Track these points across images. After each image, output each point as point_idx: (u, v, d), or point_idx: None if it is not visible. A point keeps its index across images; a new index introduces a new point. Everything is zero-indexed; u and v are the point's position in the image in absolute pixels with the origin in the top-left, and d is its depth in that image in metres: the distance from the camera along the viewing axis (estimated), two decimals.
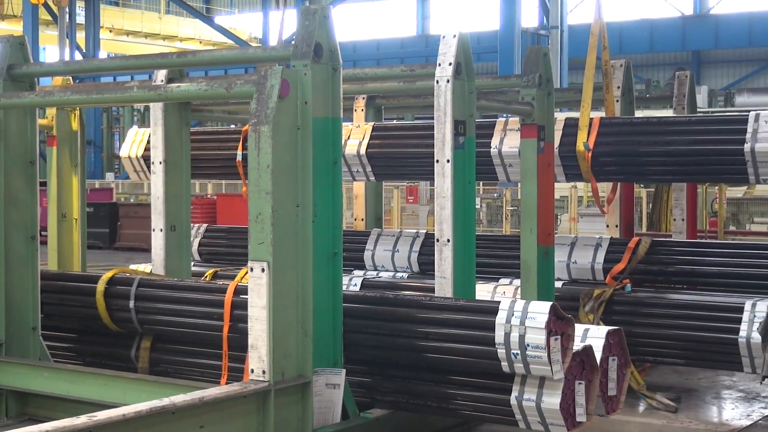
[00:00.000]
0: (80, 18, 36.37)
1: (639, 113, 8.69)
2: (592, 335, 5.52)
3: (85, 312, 6.66)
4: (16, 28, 36.06)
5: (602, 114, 7.98)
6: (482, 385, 5.40)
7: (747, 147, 6.98)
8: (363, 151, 8.29)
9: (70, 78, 8.04)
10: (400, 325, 5.62)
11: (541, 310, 5.16)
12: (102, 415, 4.46)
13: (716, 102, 31.21)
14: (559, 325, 5.18)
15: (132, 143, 8.88)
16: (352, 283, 8.11)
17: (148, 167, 7.27)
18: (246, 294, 5.25)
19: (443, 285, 6.12)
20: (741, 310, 6.76)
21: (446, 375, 5.53)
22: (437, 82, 6.11)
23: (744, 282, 7.38)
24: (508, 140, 7.68)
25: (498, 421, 5.44)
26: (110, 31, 42.34)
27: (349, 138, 8.33)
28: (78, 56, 33.79)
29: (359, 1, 45.11)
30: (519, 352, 5.15)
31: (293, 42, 5.41)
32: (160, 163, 6.98)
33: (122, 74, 25.00)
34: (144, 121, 36.40)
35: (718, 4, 42.00)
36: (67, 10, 32.42)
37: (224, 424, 4.93)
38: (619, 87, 8.23)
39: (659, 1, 42.53)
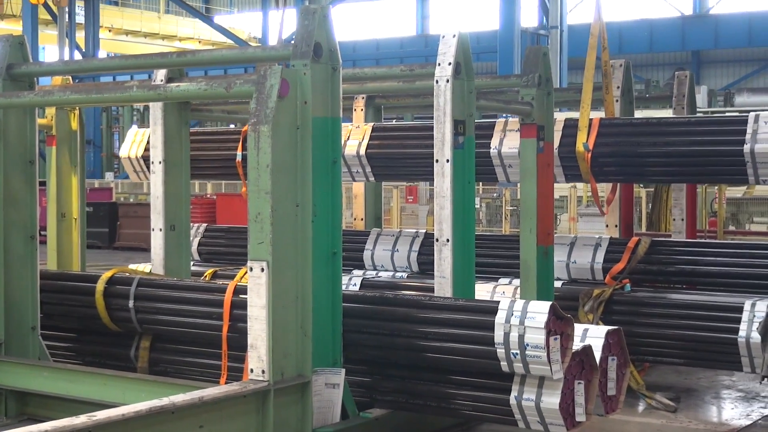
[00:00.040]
0: (80, 18, 36.37)
1: (638, 113, 8.69)
2: (592, 335, 5.53)
3: (85, 312, 6.66)
4: (15, 27, 36.05)
5: (602, 114, 7.98)
6: (482, 385, 5.40)
7: (746, 148, 6.98)
8: (363, 151, 8.29)
9: (70, 77, 8.04)
10: (399, 325, 5.62)
11: (540, 310, 5.16)
12: (101, 415, 4.46)
13: (716, 102, 31.22)
14: (559, 325, 5.18)
15: (132, 143, 8.88)
16: (352, 282, 8.11)
17: (148, 167, 7.27)
18: (245, 294, 5.25)
19: (443, 285, 6.12)
20: (740, 309, 6.76)
21: (446, 375, 5.53)
22: (437, 81, 6.11)
23: (743, 282, 7.38)
24: (507, 141, 7.68)
25: (497, 420, 5.44)
26: (109, 31, 42.34)
27: (348, 138, 8.33)
28: (77, 56, 33.78)
29: (359, 1, 45.10)
30: (518, 351, 5.15)
31: (293, 42, 5.41)
32: (160, 162, 6.98)
33: (122, 74, 25.00)
34: (143, 120, 36.40)
35: (717, 4, 42.01)
36: (67, 9, 32.43)
37: (224, 423, 4.93)
38: (618, 87, 8.24)
39: (659, 1, 42.54)
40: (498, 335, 5.21)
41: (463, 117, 6.15)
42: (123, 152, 8.95)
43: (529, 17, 29.23)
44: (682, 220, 8.49)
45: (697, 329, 6.96)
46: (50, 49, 44.81)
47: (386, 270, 8.51)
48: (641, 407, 6.98)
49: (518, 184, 7.38)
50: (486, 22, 36.94)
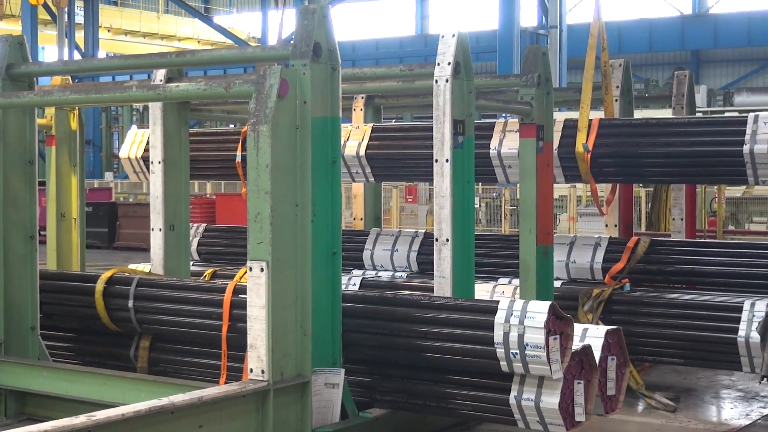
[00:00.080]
0: (79, 18, 36.36)
1: (638, 113, 8.69)
2: (591, 335, 5.53)
3: (84, 311, 6.66)
4: (15, 27, 36.04)
5: (601, 114, 7.98)
6: (481, 385, 5.41)
7: (746, 148, 6.98)
8: (362, 152, 8.29)
9: (69, 77, 8.04)
10: (399, 325, 5.62)
11: (540, 310, 5.17)
12: (101, 415, 4.46)
13: (715, 101, 31.23)
14: (558, 325, 5.18)
15: (132, 144, 8.88)
16: (351, 282, 8.11)
17: (148, 168, 7.27)
18: (245, 294, 5.25)
19: (442, 284, 6.12)
20: (740, 309, 6.76)
21: (445, 374, 5.53)
22: (436, 81, 6.11)
23: (743, 281, 7.38)
24: (507, 141, 7.68)
25: (497, 420, 5.44)
26: (108, 31, 42.33)
27: (348, 139, 8.33)
28: (77, 56, 33.78)
29: (358, 1, 45.10)
30: (518, 351, 5.15)
31: (292, 41, 5.41)
32: (159, 162, 6.98)
33: (121, 74, 25.00)
34: (143, 120, 36.40)
35: (716, 4, 42.01)
36: (66, 9, 32.42)
37: (223, 423, 4.93)
38: (618, 86, 8.24)
39: (658, 1, 42.54)
40: (497, 335, 5.21)
41: (462, 117, 6.15)
42: (123, 153, 8.95)
43: (528, 17, 29.23)
44: (682, 219, 8.49)
45: (697, 329, 6.96)
46: (50, 49, 44.81)
47: (386, 270, 8.51)
48: (641, 407, 6.98)
49: (518, 184, 7.38)
50: (485, 22, 36.94)
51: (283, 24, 9.62)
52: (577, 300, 7.25)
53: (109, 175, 35.43)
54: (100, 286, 6.57)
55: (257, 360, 5.09)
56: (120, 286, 6.57)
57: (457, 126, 6.11)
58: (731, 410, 7.13)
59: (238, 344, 5.78)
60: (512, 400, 5.24)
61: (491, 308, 5.32)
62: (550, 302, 5.23)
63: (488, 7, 34.82)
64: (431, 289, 6.32)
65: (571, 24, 31.62)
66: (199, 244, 9.30)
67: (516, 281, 7.32)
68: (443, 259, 6.13)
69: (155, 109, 6.97)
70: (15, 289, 6.42)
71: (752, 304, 6.74)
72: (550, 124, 7.07)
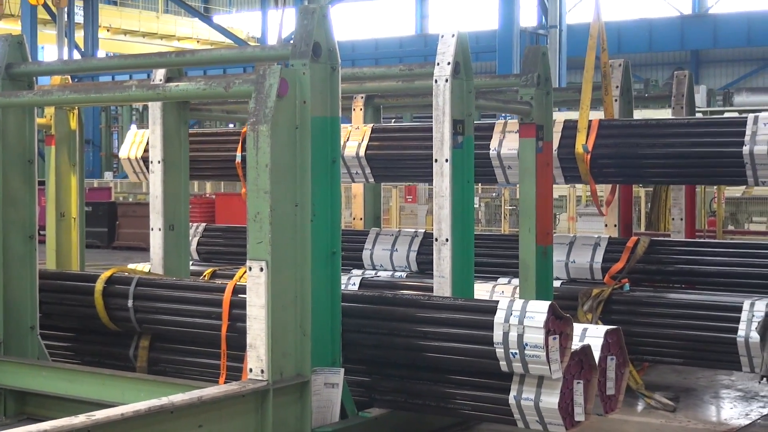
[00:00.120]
0: (79, 17, 36.35)
1: (637, 113, 8.69)
2: (591, 334, 5.53)
3: (84, 311, 6.66)
4: (14, 27, 36.03)
5: (601, 114, 7.98)
6: (481, 385, 5.41)
7: (746, 149, 6.98)
8: (362, 152, 8.29)
9: (69, 77, 8.04)
10: (398, 325, 5.62)
11: (539, 310, 5.17)
12: (100, 415, 4.46)
13: (715, 101, 31.22)
14: (558, 325, 5.18)
15: (131, 144, 8.87)
16: (351, 282, 8.11)
17: (148, 168, 7.26)
18: (244, 293, 5.25)
19: (442, 284, 6.12)
20: (739, 309, 6.76)
21: (445, 374, 5.53)
22: (436, 81, 6.11)
23: (742, 281, 7.38)
24: (507, 142, 7.68)
25: (496, 420, 5.44)
26: (108, 30, 42.32)
27: (348, 140, 8.33)
28: (76, 55, 33.76)
29: (358, 1, 45.09)
30: (517, 351, 5.15)
31: (292, 41, 5.41)
32: (159, 162, 6.97)
33: (121, 73, 25.00)
34: (143, 120, 36.39)
35: (716, 4, 42.01)
36: (66, 9, 32.41)
37: (223, 423, 4.93)
38: (617, 86, 8.24)
39: (658, 1, 42.54)
40: (497, 335, 5.21)
41: (462, 116, 6.15)
42: (123, 153, 8.95)
43: (528, 17, 29.24)
44: (681, 219, 8.49)
45: (696, 329, 6.97)
46: (49, 49, 44.80)
47: (385, 270, 8.51)
48: (640, 407, 6.98)
49: (517, 184, 7.38)
50: (485, 22, 36.94)
51: (283, 24, 9.61)
52: (577, 300, 7.25)
53: (108, 175, 35.41)
54: (99, 285, 6.57)
55: (257, 360, 5.09)
56: (119, 286, 6.57)
57: (457, 126, 6.11)
58: (731, 410, 7.13)
59: (238, 344, 5.78)
60: (512, 400, 5.24)
61: (491, 308, 5.32)
62: (549, 302, 5.23)
63: (488, 6, 34.81)
64: (431, 289, 6.32)
65: (571, 24, 31.62)
66: (198, 244, 9.30)
67: (515, 281, 7.32)
68: (443, 258, 6.13)
69: (155, 109, 6.96)
70: (14, 289, 6.42)
71: (752, 304, 6.74)
72: (549, 123, 7.07)
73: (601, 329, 5.59)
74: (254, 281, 5.08)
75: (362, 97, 8.91)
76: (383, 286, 7.89)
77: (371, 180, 8.52)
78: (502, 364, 5.22)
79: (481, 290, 7.33)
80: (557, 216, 19.84)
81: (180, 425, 4.76)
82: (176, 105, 7.01)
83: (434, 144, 6.14)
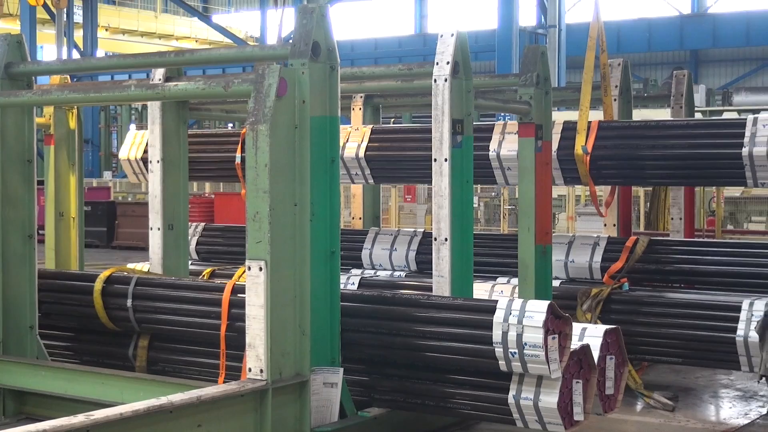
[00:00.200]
0: (78, 17, 36.33)
1: (637, 112, 8.69)
2: (590, 334, 5.53)
3: (83, 311, 6.66)
4: (13, 27, 36.02)
5: (601, 114, 7.98)
6: (480, 384, 5.41)
7: (745, 151, 6.97)
8: (362, 153, 8.29)
9: (68, 77, 8.04)
10: (397, 324, 5.62)
11: (538, 309, 5.17)
12: (99, 414, 4.46)
13: (714, 101, 31.20)
14: (557, 324, 5.18)
15: (131, 145, 8.86)
16: (350, 282, 8.11)
17: (147, 170, 7.26)
18: (243, 293, 5.25)
19: (441, 284, 6.12)
20: (738, 309, 6.77)
21: (444, 374, 5.53)
22: (435, 81, 6.12)
23: (741, 281, 7.39)
24: (506, 144, 7.68)
25: (496, 419, 5.44)
26: (106, 30, 42.28)
27: (347, 140, 8.33)
28: (75, 55, 33.75)
29: (357, 0, 45.08)
30: (517, 350, 5.15)
31: (291, 41, 5.41)
32: (158, 161, 6.97)
33: (120, 73, 24.99)
34: (142, 119, 36.37)
35: (715, 4, 42.00)
36: (65, 9, 32.37)
37: (222, 423, 4.93)
38: (617, 86, 8.25)
39: (657, 0, 42.54)
40: (496, 334, 5.21)
41: (461, 116, 6.15)
42: (122, 154, 8.94)
43: (527, 16, 29.22)
44: (680, 219, 8.50)
45: (695, 328, 6.97)
46: (48, 49, 44.77)
47: (384, 269, 8.51)
48: (639, 406, 6.98)
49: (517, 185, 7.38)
50: (484, 21, 36.92)
51: (282, 23, 9.61)
52: (576, 299, 7.26)
53: (107, 174, 35.40)
54: (98, 285, 6.57)
55: (256, 359, 5.09)
56: (118, 286, 6.56)
57: (456, 125, 6.11)
58: (730, 409, 7.13)
59: (237, 343, 5.77)
60: (511, 400, 5.24)
61: (490, 307, 5.32)
62: (548, 302, 5.24)
63: (487, 6, 34.81)
64: (430, 289, 6.32)
65: (570, 23, 31.60)
66: (197, 243, 9.30)
67: (515, 280, 7.32)
68: (442, 258, 6.13)
69: (154, 108, 6.96)
70: (13, 289, 6.42)
71: (751, 304, 6.74)
72: (548, 123, 7.07)
73: (600, 329, 5.59)
74: (253, 281, 5.08)
75: (361, 97, 8.91)
76: (382, 286, 7.89)
77: (371, 181, 8.52)
78: (501, 363, 5.22)
79: (480, 290, 7.34)
80: (556, 215, 19.82)
81: (179, 425, 4.76)
82: (175, 104, 7.01)
83: (433, 143, 6.14)
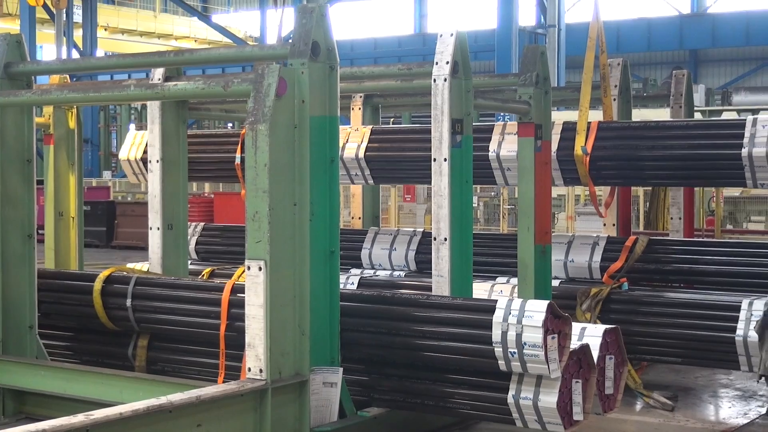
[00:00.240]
0: (77, 17, 36.31)
1: (636, 112, 8.70)
2: (589, 334, 5.53)
3: (82, 310, 6.65)
4: (13, 26, 36.01)
5: (601, 113, 7.98)
6: (479, 384, 5.41)
7: (744, 152, 6.97)
8: (362, 154, 8.29)
9: (67, 76, 8.04)
10: (397, 324, 5.62)
11: (538, 309, 5.17)
12: (99, 414, 4.46)
13: (713, 101, 31.20)
14: (557, 324, 5.18)
15: (131, 146, 8.86)
16: (350, 281, 8.11)
17: (147, 170, 7.26)
18: (243, 293, 5.25)
19: (440, 283, 6.12)
20: (738, 308, 6.77)
21: (443, 373, 5.53)
22: (434, 80, 6.12)
23: (741, 281, 7.39)
24: (506, 144, 7.68)
25: (495, 419, 5.44)
26: (105, 30, 42.24)
27: (347, 141, 8.33)
28: (75, 55, 33.74)
29: (356, 0, 45.08)
30: (516, 350, 5.15)
31: (290, 40, 5.41)
32: (158, 161, 6.98)
33: (119, 72, 24.98)
34: (141, 119, 36.34)
35: (715, 3, 42.00)
36: (64, 9, 32.36)
37: (221, 422, 4.92)
38: (616, 86, 8.25)
39: (657, 0, 42.54)
40: (496, 334, 5.21)
41: (460, 116, 6.15)
42: (122, 155, 8.94)
43: (526, 16, 29.22)
44: (680, 219, 8.50)
45: (695, 328, 6.97)
46: (48, 48, 44.76)
47: (384, 269, 8.51)
48: (639, 406, 6.98)
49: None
50: (484, 21, 36.92)
51: (282, 23, 9.60)
52: (575, 299, 7.26)
53: (107, 174, 35.38)
54: (98, 285, 6.57)
55: (255, 359, 5.09)
56: (118, 285, 6.56)
57: (456, 125, 6.11)
58: (729, 409, 7.13)
59: (236, 343, 5.77)
60: (510, 399, 5.24)
61: (489, 307, 5.32)
62: (548, 301, 5.24)
63: (486, 6, 34.81)
64: (429, 288, 6.32)
65: (570, 23, 31.59)
66: (197, 243, 9.30)
67: (514, 280, 7.32)
68: (441, 258, 6.13)
69: (153, 108, 6.96)
70: (13, 288, 6.42)
71: (750, 304, 6.74)
72: (548, 123, 7.07)
73: (600, 328, 5.59)
74: (253, 280, 5.08)
75: (361, 97, 8.91)
76: (382, 286, 7.89)
77: (371, 182, 8.53)
78: (501, 363, 5.22)
79: (480, 289, 7.34)
80: (556, 215, 19.82)
81: (178, 425, 4.76)
82: (175, 104, 7.01)
83: (433, 143, 6.14)
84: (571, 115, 8.00)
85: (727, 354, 6.78)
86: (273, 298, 5.07)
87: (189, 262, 7.63)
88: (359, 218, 9.20)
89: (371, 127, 8.54)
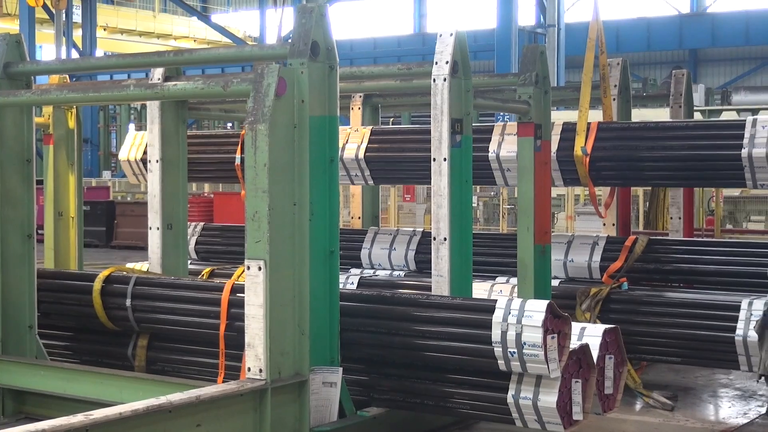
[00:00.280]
0: (76, 17, 36.31)
1: (636, 112, 8.69)
2: (589, 333, 5.53)
3: (82, 310, 6.65)
4: (12, 26, 36.00)
5: (600, 113, 7.98)
6: (479, 384, 5.41)
7: (744, 152, 6.97)
8: (361, 155, 8.29)
9: (67, 76, 8.04)
10: (397, 324, 5.62)
11: (537, 309, 5.17)
12: (98, 414, 4.46)
13: (713, 100, 31.20)
14: (556, 324, 5.18)
15: (131, 146, 8.86)
16: (349, 281, 8.11)
17: (147, 170, 7.25)
18: (243, 292, 5.25)
19: (440, 283, 6.12)
20: (738, 308, 6.77)
21: (443, 373, 5.53)
22: (434, 80, 6.11)
23: (741, 280, 7.39)
24: (506, 145, 7.68)
25: (495, 419, 5.44)
26: (104, 30, 42.23)
27: (347, 142, 8.33)
28: (74, 55, 33.73)
29: (356, 0, 45.08)
30: (516, 350, 5.15)
31: (290, 40, 5.41)
32: (157, 161, 6.98)
33: (119, 72, 24.98)
34: (141, 119, 36.34)
35: (714, 3, 42.01)
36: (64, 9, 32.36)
37: (221, 422, 4.92)
38: (615, 85, 8.25)
39: (656, 0, 42.54)
40: (495, 334, 5.21)
41: (460, 115, 6.15)
42: (122, 155, 8.93)
43: (526, 16, 29.23)
44: (680, 218, 8.50)
45: (695, 328, 6.97)
46: (47, 48, 44.75)
47: (383, 269, 8.51)
48: (638, 406, 6.98)
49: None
50: (483, 21, 36.93)
51: (282, 23, 9.60)
52: (575, 299, 7.26)
53: (106, 174, 35.37)
54: (97, 284, 6.57)
55: (255, 359, 5.09)
56: (118, 285, 6.56)
57: (455, 125, 6.11)
58: (729, 409, 7.13)
59: (236, 343, 5.77)
60: (510, 399, 5.24)
61: (489, 307, 5.32)
62: (547, 301, 5.24)
63: (486, 5, 34.82)
64: (429, 288, 6.32)
65: (569, 23, 31.60)
66: (197, 243, 9.30)
67: (514, 280, 7.32)
68: (441, 257, 6.13)
69: (153, 108, 6.96)
70: (13, 288, 6.42)
71: (750, 303, 6.74)
72: (547, 122, 7.07)
73: (600, 328, 5.59)
74: (252, 280, 5.08)
75: (360, 97, 8.91)
76: (381, 285, 7.90)
77: (370, 182, 8.52)
78: (501, 363, 5.22)
79: (480, 289, 7.33)
80: (555, 215, 19.82)
81: (178, 425, 4.76)
82: (174, 104, 7.01)
83: (432, 143, 6.14)
84: (570, 115, 8.00)
85: (727, 354, 6.78)
86: (273, 297, 5.07)
87: (189, 261, 7.63)
88: (359, 218, 9.20)
89: (371, 127, 8.54)
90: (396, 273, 8.42)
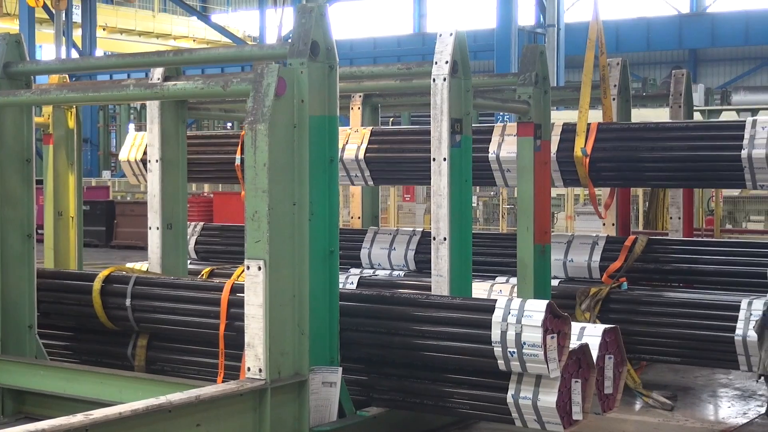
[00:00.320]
0: (76, 17, 36.30)
1: (635, 112, 8.69)
2: (589, 333, 5.53)
3: (82, 310, 6.65)
4: (12, 26, 36.00)
5: (600, 113, 7.98)
6: (479, 384, 5.41)
7: (744, 153, 6.97)
8: (361, 155, 8.28)
9: (67, 76, 8.04)
10: (396, 324, 5.62)
11: (537, 308, 5.17)
12: (98, 414, 4.46)
13: (713, 100, 31.19)
14: (556, 323, 5.18)
15: (131, 147, 8.85)
16: (349, 281, 8.11)
17: (147, 170, 7.25)
18: (242, 292, 5.25)
19: (440, 283, 6.12)
20: (737, 308, 6.77)
21: (443, 373, 5.53)
22: (434, 80, 6.12)
23: (740, 280, 7.39)
24: (506, 145, 7.68)
25: (494, 419, 5.44)
26: (103, 30, 42.23)
27: (347, 142, 8.32)
28: (74, 54, 33.73)
29: (356, 0, 45.09)
30: (515, 350, 5.15)
31: (290, 40, 5.41)
32: (157, 161, 6.98)
33: (118, 72, 24.98)
34: (140, 119, 36.34)
35: (714, 3, 42.02)
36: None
37: (221, 422, 4.92)
38: (615, 85, 8.25)
39: (656, 0, 42.55)
40: (495, 334, 5.21)
41: (460, 115, 6.15)
42: (122, 156, 8.93)
43: (526, 16, 29.23)
44: (679, 218, 8.50)
45: (694, 328, 6.97)
46: (47, 48, 44.75)
47: (383, 268, 8.51)
48: (638, 406, 6.98)
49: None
50: (483, 21, 36.92)
51: (281, 23, 9.60)
52: (575, 299, 7.26)
53: (106, 174, 35.36)
54: (97, 284, 6.57)
55: (254, 359, 5.09)
56: (117, 285, 6.56)
57: (455, 125, 6.12)
58: (728, 409, 7.14)
59: (236, 343, 5.77)
60: (510, 399, 5.24)
61: (489, 307, 5.33)
62: (547, 301, 5.24)
63: (486, 5, 34.82)
64: (429, 288, 6.32)
65: (569, 23, 31.61)
66: (196, 243, 9.30)
67: (513, 280, 7.32)
68: (441, 257, 6.13)
69: (153, 108, 6.96)
70: (12, 288, 6.42)
71: (749, 303, 6.74)
72: (547, 122, 7.07)
73: (599, 328, 5.59)
74: (252, 280, 5.08)
75: (360, 96, 8.91)
76: (381, 285, 7.90)
77: (371, 183, 8.52)
78: (500, 363, 5.23)
79: (479, 289, 7.33)
80: (555, 215, 19.82)
81: (178, 424, 4.76)
82: (174, 104, 7.01)
83: (432, 143, 6.14)
84: (570, 115, 8.00)
85: (727, 354, 6.78)
86: (272, 297, 5.07)
87: (188, 261, 7.63)
88: (358, 218, 9.20)
89: (371, 128, 8.54)
90: (396, 273, 8.42)
